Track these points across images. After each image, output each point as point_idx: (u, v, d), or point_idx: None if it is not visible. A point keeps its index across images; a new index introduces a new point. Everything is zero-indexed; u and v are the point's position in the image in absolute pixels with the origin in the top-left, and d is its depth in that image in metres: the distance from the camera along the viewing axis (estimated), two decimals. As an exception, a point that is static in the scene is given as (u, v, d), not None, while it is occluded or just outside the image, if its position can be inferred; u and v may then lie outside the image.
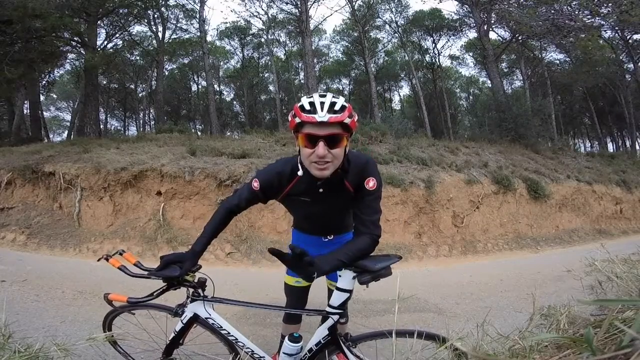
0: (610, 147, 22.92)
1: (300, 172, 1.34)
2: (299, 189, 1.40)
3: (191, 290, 1.52)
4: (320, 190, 1.38)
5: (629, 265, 1.41)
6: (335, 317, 1.39)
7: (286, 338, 1.48)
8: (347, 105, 1.24)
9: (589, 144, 27.06)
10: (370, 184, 1.36)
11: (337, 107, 1.21)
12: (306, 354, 1.46)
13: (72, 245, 5.44)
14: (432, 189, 6.36)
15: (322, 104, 1.20)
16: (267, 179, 1.40)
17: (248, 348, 1.49)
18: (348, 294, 1.39)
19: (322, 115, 1.18)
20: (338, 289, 1.39)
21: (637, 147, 17.54)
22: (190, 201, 5.84)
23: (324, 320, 1.43)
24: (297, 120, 1.22)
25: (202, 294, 1.52)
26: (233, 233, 5.56)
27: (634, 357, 0.51)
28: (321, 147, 1.20)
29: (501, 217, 6.93)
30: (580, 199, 8.32)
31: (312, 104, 1.21)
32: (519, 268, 4.97)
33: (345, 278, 1.38)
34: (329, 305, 1.42)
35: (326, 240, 1.71)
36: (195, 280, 1.52)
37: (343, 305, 1.40)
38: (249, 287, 3.76)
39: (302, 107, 1.22)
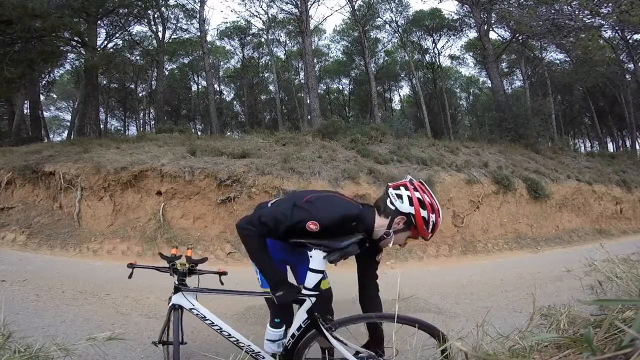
0: (610, 147, 22.87)
1: (355, 223, 1.49)
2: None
3: (176, 277, 1.65)
4: (367, 244, 1.52)
5: (629, 265, 1.41)
6: (313, 299, 1.44)
7: (268, 325, 1.57)
8: None
9: (589, 144, 27.00)
10: (380, 256, 1.65)
11: None
12: (289, 339, 1.51)
13: (72, 245, 5.43)
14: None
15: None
16: (329, 223, 1.45)
17: (233, 337, 1.55)
18: (321, 275, 1.46)
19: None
20: (311, 270, 1.46)
21: (637, 147, 17.53)
22: (190, 201, 5.84)
23: (301, 304, 1.48)
24: (429, 236, 1.47)
25: (184, 284, 1.64)
26: (233, 233, 5.56)
27: (634, 357, 0.51)
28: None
29: (501, 217, 6.93)
30: (580, 199, 8.32)
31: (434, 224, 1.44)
32: (519, 268, 4.96)
33: (316, 258, 1.44)
34: (305, 288, 1.47)
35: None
36: (183, 269, 1.65)
37: (317, 287, 1.46)
38: (249, 287, 3.75)
39: (428, 226, 1.43)
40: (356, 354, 1.46)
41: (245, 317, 2.93)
